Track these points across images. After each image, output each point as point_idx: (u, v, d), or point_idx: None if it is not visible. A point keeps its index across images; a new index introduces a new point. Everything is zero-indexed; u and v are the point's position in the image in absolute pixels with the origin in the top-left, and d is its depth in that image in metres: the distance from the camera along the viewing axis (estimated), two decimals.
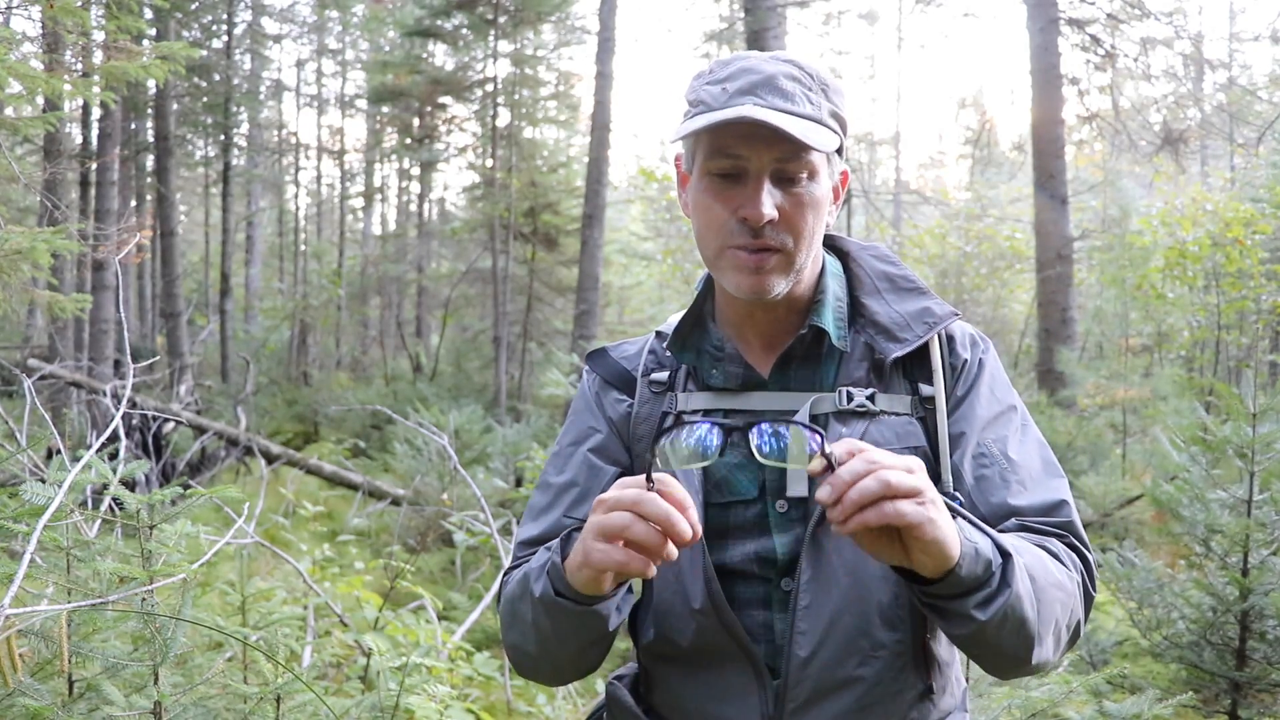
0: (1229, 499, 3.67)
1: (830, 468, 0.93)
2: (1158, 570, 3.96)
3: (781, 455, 0.97)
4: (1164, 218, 11.13)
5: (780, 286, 1.17)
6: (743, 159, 1.13)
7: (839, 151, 1.21)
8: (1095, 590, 1.17)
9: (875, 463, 0.92)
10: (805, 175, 1.14)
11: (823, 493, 0.92)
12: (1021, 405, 1.26)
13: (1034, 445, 1.22)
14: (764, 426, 0.98)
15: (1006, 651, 1.04)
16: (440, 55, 16.86)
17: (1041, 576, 1.06)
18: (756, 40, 7.62)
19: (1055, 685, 2.69)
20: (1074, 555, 1.16)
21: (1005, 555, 1.01)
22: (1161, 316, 11.36)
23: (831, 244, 1.33)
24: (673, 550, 0.96)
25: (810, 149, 1.12)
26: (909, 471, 0.92)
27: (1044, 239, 9.56)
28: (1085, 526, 6.96)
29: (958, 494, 1.17)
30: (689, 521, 0.95)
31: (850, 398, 1.18)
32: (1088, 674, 3.15)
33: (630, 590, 1.15)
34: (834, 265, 1.29)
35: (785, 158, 1.12)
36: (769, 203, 1.12)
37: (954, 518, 1.01)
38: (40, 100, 5.79)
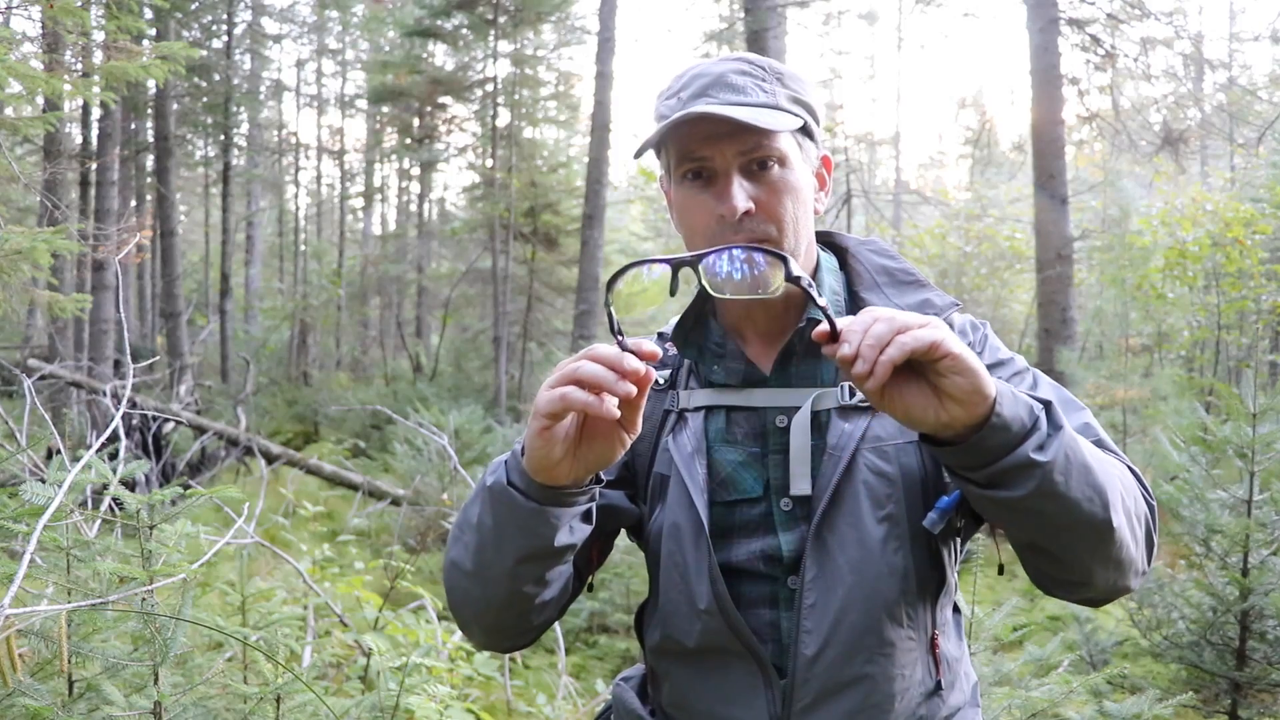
0: (1229, 499, 3.67)
1: (834, 334, 0.94)
2: (1158, 570, 3.96)
3: (747, 284, 0.98)
4: (1164, 218, 11.13)
5: (775, 279, 1.16)
6: (708, 159, 1.14)
7: (811, 137, 1.21)
8: (1153, 498, 1.13)
9: (883, 312, 0.93)
10: (775, 163, 1.15)
11: (844, 350, 0.92)
12: (1027, 364, 1.24)
13: (1047, 387, 1.20)
14: (726, 254, 0.98)
15: (1082, 506, 0.97)
16: (440, 55, 16.88)
17: (1088, 447, 1.01)
18: (756, 40, 7.62)
19: (1055, 685, 2.69)
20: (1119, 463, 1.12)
21: (1046, 402, 0.99)
22: (1161, 316, 11.36)
23: (828, 241, 1.32)
24: (625, 388, 0.93)
25: (767, 132, 1.12)
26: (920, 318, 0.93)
27: (1044, 239, 9.55)
28: None
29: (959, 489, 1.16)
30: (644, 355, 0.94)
31: (852, 392, 1.17)
32: (1088, 674, 3.15)
33: (588, 520, 1.10)
34: (829, 261, 1.29)
35: (748, 149, 1.13)
36: (741, 195, 1.12)
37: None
38: (40, 100, 5.79)
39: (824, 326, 0.94)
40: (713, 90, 1.15)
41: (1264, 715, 3.60)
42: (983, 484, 0.97)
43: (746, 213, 1.13)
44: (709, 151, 1.14)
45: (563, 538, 1.07)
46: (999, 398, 0.94)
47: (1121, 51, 9.78)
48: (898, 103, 39.77)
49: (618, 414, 0.96)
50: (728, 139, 1.13)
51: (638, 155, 1.20)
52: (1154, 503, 1.12)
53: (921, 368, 0.93)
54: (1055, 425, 0.97)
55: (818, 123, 1.22)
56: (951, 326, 1.24)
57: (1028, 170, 10.80)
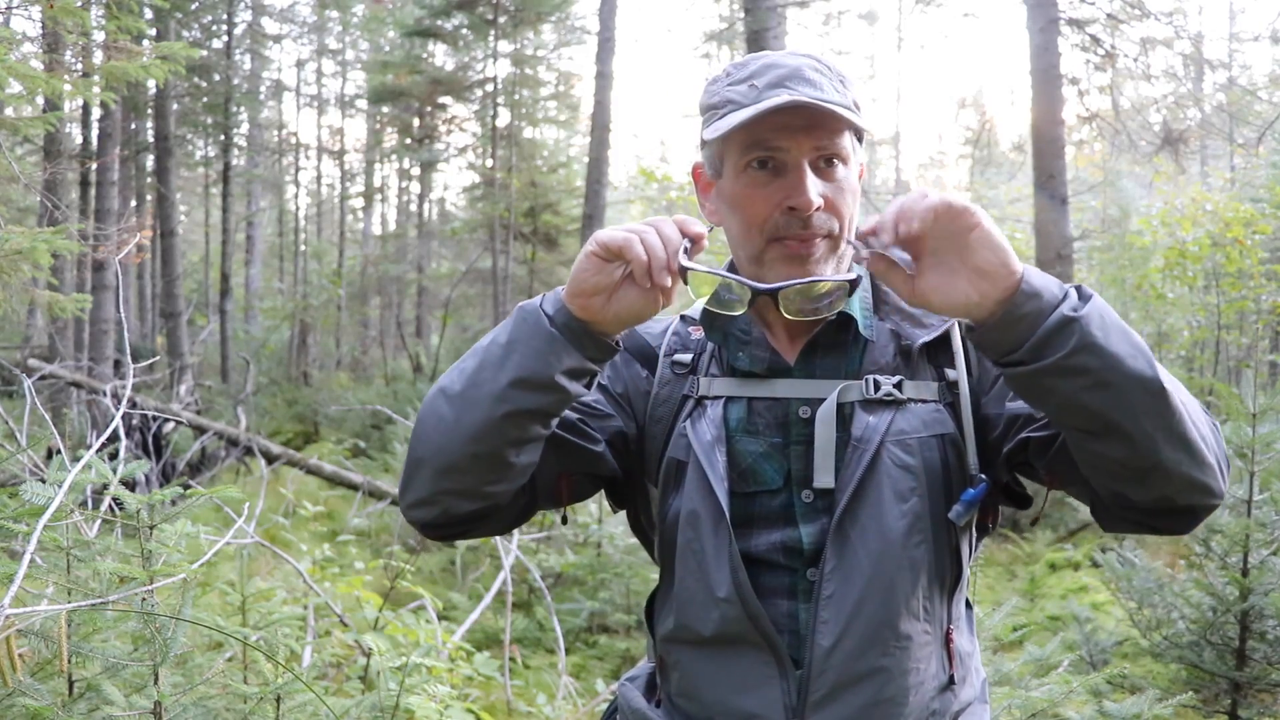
0: (1229, 499, 3.66)
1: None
2: (1158, 570, 3.96)
3: (820, 309, 1.12)
4: (1164, 218, 11.12)
5: (823, 273, 1.18)
6: (781, 150, 1.14)
7: (860, 144, 1.23)
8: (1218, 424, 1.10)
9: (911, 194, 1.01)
10: (840, 162, 1.17)
11: (883, 237, 1.01)
12: None
13: None
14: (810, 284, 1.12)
15: (1127, 362, 0.97)
16: (440, 55, 16.85)
17: (1138, 339, 1.03)
18: (756, 40, 7.61)
19: (1055, 685, 2.69)
20: None
21: (1076, 286, 1.02)
22: (1161, 316, 11.34)
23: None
24: (661, 279, 1.04)
25: (841, 130, 1.15)
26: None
27: (1044, 239, 9.54)
28: (1083, 527, 6.96)
29: (984, 476, 1.16)
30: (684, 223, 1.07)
31: (877, 386, 1.18)
32: (1088, 674, 3.14)
33: (589, 387, 1.15)
34: None
35: (823, 145, 1.14)
36: (815, 190, 1.13)
37: None
38: (40, 100, 5.79)
39: (868, 225, 1.02)
40: (790, 82, 1.14)
41: (1264, 715, 3.60)
42: (1028, 360, 0.98)
43: (817, 208, 1.14)
44: (786, 143, 1.14)
45: (563, 379, 1.07)
46: (1025, 271, 0.98)
47: (1121, 51, 9.76)
48: (898, 103, 39.73)
49: (664, 284, 1.05)
50: (804, 132, 1.13)
51: (715, 135, 1.16)
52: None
53: (952, 245, 0.99)
54: (1085, 295, 1.00)
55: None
56: None
57: (1028, 170, 10.78)
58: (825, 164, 1.15)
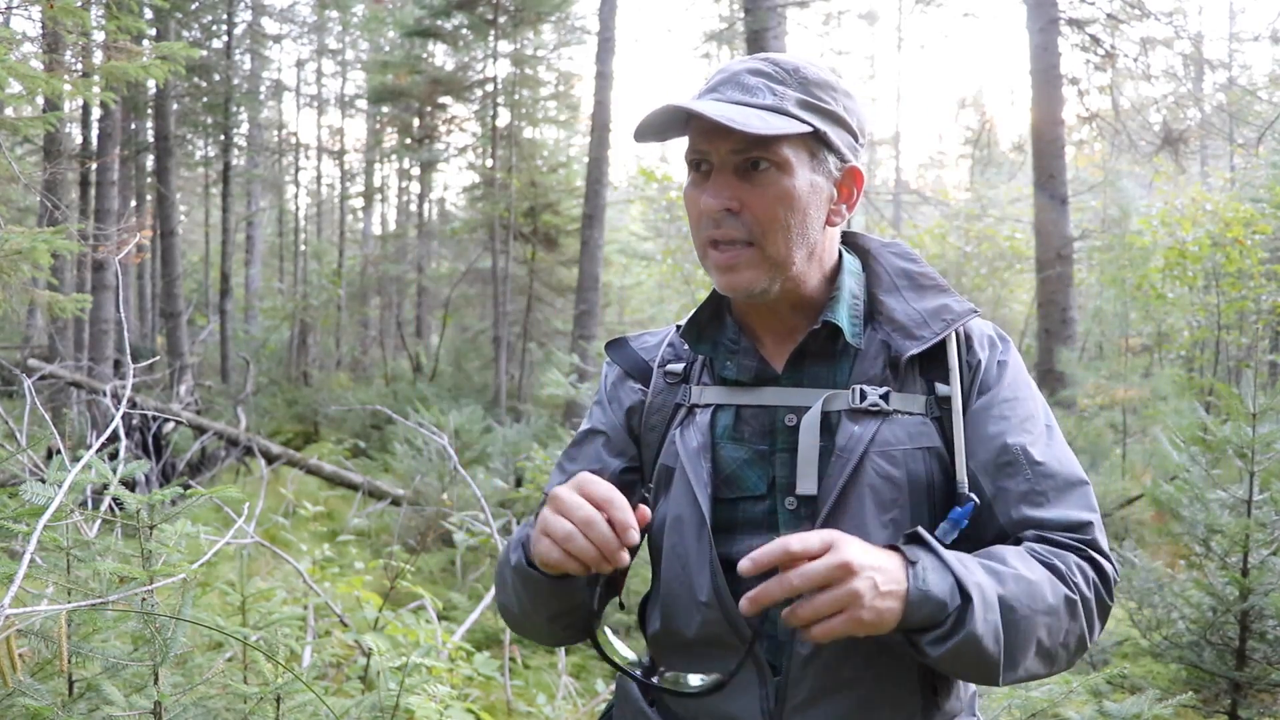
0: (1229, 499, 3.66)
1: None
2: (1158, 570, 3.95)
3: None
4: (1164, 218, 11.11)
5: (759, 283, 1.16)
6: (704, 153, 1.16)
7: (829, 148, 1.17)
8: (1112, 600, 1.16)
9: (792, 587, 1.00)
10: (771, 166, 1.13)
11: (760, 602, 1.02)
12: (1045, 408, 1.23)
13: (1059, 452, 1.18)
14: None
15: (968, 673, 1.10)
16: (440, 55, 16.86)
17: (1025, 605, 1.05)
18: (756, 40, 7.61)
19: (1055, 685, 2.68)
20: (1089, 568, 1.13)
21: (966, 598, 1.01)
22: (1161, 316, 11.34)
23: (853, 242, 1.32)
24: (621, 557, 1.04)
25: (757, 133, 1.09)
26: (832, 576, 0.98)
27: (1044, 239, 9.54)
28: None
29: (973, 496, 1.15)
30: (624, 525, 1.03)
31: (864, 396, 1.17)
32: (1088, 674, 3.14)
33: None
34: (853, 264, 1.28)
35: (740, 148, 1.13)
36: (720, 194, 1.14)
37: (922, 552, 1.03)
38: (40, 100, 5.79)
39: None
40: (722, 87, 1.15)
41: (1264, 715, 3.60)
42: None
43: (729, 210, 1.14)
44: (706, 146, 1.15)
45: (584, 596, 1.20)
46: (910, 603, 1.00)
47: (1121, 51, 9.77)
48: (898, 103, 39.87)
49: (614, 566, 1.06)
50: (721, 136, 1.13)
51: (638, 139, 1.21)
52: (1108, 571, 1.14)
53: None
54: (961, 624, 1.01)
55: (854, 134, 1.20)
56: (971, 335, 1.23)
57: (1028, 170, 10.78)
58: (751, 167, 1.13)
